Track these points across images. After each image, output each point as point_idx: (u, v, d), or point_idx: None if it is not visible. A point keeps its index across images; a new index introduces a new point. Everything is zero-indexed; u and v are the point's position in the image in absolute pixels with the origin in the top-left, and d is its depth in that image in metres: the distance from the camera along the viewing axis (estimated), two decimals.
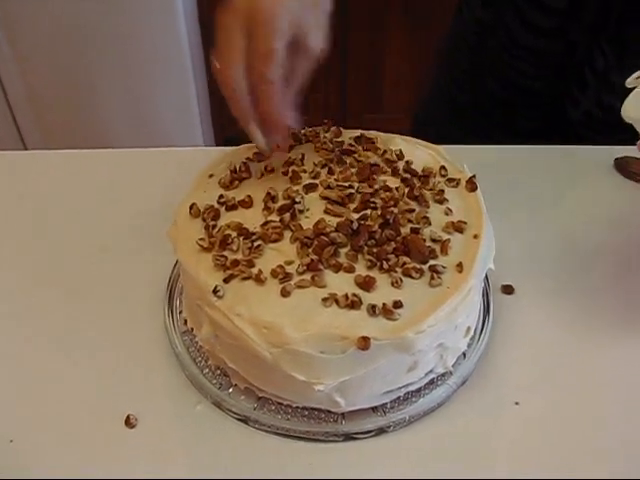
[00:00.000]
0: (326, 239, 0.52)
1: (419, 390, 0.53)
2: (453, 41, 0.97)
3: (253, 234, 0.53)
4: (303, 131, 0.64)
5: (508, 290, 0.63)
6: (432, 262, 0.51)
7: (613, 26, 0.79)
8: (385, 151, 0.61)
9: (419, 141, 0.64)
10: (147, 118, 1.80)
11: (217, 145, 1.92)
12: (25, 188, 0.77)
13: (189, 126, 1.64)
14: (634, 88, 0.52)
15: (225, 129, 1.90)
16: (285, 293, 0.49)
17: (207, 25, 1.71)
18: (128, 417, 0.52)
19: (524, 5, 0.81)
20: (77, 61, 1.70)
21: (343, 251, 0.52)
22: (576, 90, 0.86)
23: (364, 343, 0.46)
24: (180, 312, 0.60)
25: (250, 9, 0.51)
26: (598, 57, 0.81)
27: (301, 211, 0.54)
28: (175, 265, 0.63)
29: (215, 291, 0.49)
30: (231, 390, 0.54)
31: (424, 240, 0.53)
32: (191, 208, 0.56)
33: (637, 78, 0.53)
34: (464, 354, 0.56)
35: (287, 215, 0.54)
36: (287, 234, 0.53)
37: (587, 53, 0.82)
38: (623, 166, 0.77)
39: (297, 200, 0.55)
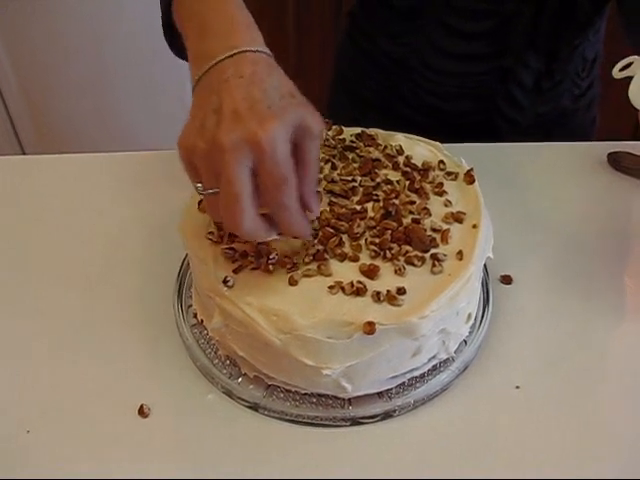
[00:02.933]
0: (331, 230, 0.54)
1: (423, 376, 0.55)
2: (346, 69, 0.96)
3: None
4: None
5: (507, 280, 0.65)
6: (433, 250, 0.53)
7: (542, 42, 0.80)
8: (385, 147, 0.63)
9: (419, 137, 0.66)
10: (146, 120, 1.81)
11: None
12: (27, 188, 0.78)
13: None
14: (628, 77, 0.53)
15: None
16: (293, 282, 0.51)
17: None
18: (142, 407, 0.54)
19: (440, 34, 0.81)
20: (75, 66, 1.71)
21: (348, 241, 0.54)
22: (510, 111, 0.86)
23: (369, 328, 0.48)
24: (189, 306, 0.61)
25: (248, 145, 0.44)
26: (524, 73, 0.83)
27: None
28: (183, 262, 0.65)
29: (225, 281, 0.51)
30: (240, 379, 0.56)
31: (425, 230, 0.55)
32: (200, 204, 0.58)
33: (621, 70, 0.54)
34: (465, 341, 0.58)
35: None
36: None
37: (514, 72, 0.83)
38: (616, 161, 0.79)
39: None
